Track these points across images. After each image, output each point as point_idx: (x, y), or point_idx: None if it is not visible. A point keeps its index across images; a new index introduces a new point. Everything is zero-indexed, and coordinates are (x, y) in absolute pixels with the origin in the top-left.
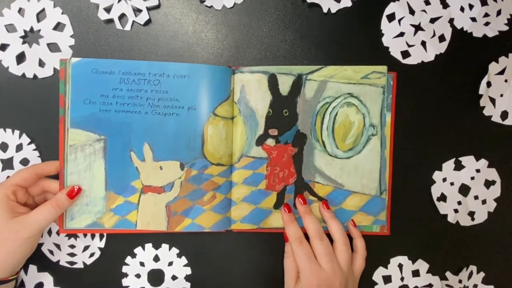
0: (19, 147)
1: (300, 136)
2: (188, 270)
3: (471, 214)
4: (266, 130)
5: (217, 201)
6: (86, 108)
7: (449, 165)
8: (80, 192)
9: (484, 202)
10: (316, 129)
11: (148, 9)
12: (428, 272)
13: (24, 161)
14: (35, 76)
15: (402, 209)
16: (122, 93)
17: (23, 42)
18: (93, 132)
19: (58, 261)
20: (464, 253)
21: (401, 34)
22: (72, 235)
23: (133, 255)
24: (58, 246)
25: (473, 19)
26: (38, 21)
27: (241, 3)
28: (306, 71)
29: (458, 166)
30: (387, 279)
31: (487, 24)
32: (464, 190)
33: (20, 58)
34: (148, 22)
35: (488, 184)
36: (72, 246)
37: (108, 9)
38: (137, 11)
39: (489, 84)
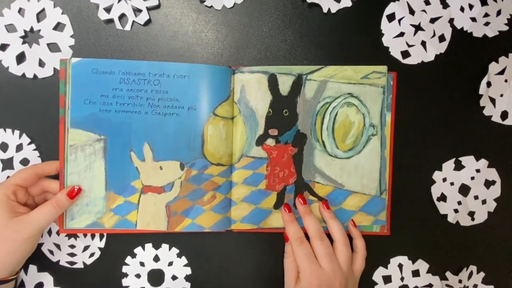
0: (19, 147)
1: (300, 136)
2: (188, 270)
3: (471, 214)
4: (266, 130)
5: (217, 201)
6: (86, 108)
7: (449, 165)
8: (80, 192)
9: (484, 202)
10: (316, 129)
11: (148, 9)
12: (428, 272)
13: (24, 161)
14: (35, 76)
15: (402, 209)
16: (122, 93)
17: (23, 42)
18: (93, 132)
19: (58, 261)
20: (464, 253)
21: (401, 34)
22: (72, 235)
23: (133, 255)
24: (58, 246)
25: (473, 19)
26: (38, 21)
27: (241, 3)
28: (306, 71)
29: (458, 166)
30: (387, 279)
31: (487, 24)
32: (464, 190)
33: (20, 58)
34: (148, 22)
35: (488, 184)
36: (72, 246)
37: (108, 9)
38: (137, 11)
39: (489, 84)
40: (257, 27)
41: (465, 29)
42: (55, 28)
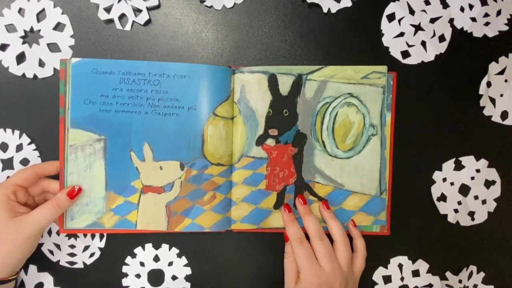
0: (19, 147)
1: (300, 136)
2: (188, 270)
3: (471, 214)
4: (266, 130)
5: (217, 201)
6: (86, 108)
7: (449, 165)
8: (81, 192)
9: (484, 202)
10: (316, 129)
11: (148, 9)
12: (428, 272)
13: (24, 161)
14: (35, 76)
15: (402, 209)
16: (122, 93)
17: (23, 42)
18: (93, 132)
19: (58, 261)
20: (464, 253)
21: (401, 34)
22: (72, 235)
23: (133, 255)
24: (58, 246)
25: (473, 19)
26: (38, 21)
27: (241, 3)
28: (306, 71)
29: (458, 166)
30: (387, 279)
31: (487, 24)
32: (464, 190)
33: (20, 58)
34: (148, 22)
35: (488, 184)
36: (72, 246)
37: (108, 9)
38: (137, 11)
39: (489, 84)
40: (257, 27)
41: (465, 29)
42: (55, 28)
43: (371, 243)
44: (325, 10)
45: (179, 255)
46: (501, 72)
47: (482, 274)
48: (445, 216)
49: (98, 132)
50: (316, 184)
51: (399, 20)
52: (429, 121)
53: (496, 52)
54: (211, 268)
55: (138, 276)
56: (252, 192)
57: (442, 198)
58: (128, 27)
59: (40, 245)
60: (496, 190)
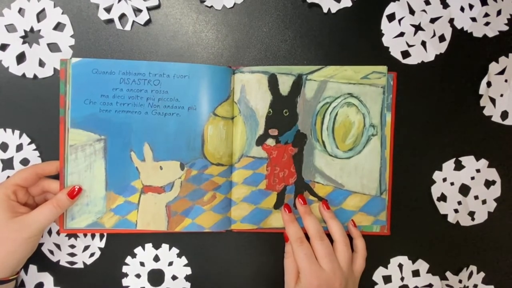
0: (19, 147)
1: (300, 136)
2: (188, 270)
3: (471, 214)
4: (266, 130)
5: (217, 201)
6: (86, 108)
7: (449, 165)
8: (81, 192)
9: (484, 202)
10: (316, 129)
11: (148, 9)
12: (428, 272)
13: (24, 161)
14: (35, 76)
15: (402, 209)
16: (122, 93)
17: (23, 42)
18: (94, 132)
19: (58, 261)
20: (464, 253)
21: (401, 34)
22: (72, 235)
23: (133, 255)
24: (58, 246)
25: (473, 19)
26: (38, 21)
27: (241, 3)
28: (306, 71)
29: (458, 166)
30: (387, 279)
31: (487, 24)
32: (464, 190)
33: (20, 58)
34: (148, 22)
35: (488, 184)
36: (72, 246)
37: (108, 9)
38: (137, 11)
39: (489, 84)
40: (257, 27)
41: (465, 29)
42: (55, 28)
43: (371, 243)
44: (325, 10)
45: (179, 255)
46: (501, 72)
47: (482, 274)
48: (445, 216)
49: (98, 132)
50: (316, 184)
51: (399, 20)
52: (429, 121)
53: (496, 52)
54: (211, 268)
55: (138, 276)
56: (252, 192)
57: (442, 198)
58: (128, 27)
59: (40, 245)
60: (496, 190)
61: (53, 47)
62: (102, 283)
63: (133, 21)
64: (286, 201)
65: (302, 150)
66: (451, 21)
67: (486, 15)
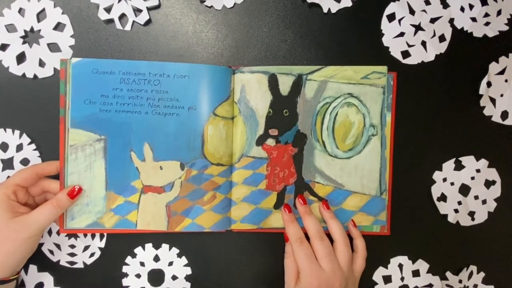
0: (19, 147)
1: (300, 136)
2: (188, 270)
3: (471, 214)
4: (266, 130)
5: (217, 201)
6: (86, 108)
7: (449, 165)
8: (81, 192)
9: (484, 202)
10: (316, 129)
11: (148, 9)
12: (428, 272)
13: (25, 161)
14: (35, 76)
15: (402, 209)
16: (122, 93)
17: (23, 42)
18: (94, 132)
19: (58, 261)
20: (464, 253)
21: (401, 34)
22: (72, 235)
23: (133, 255)
24: (58, 246)
25: (473, 19)
26: (38, 21)
27: (241, 3)
28: (306, 71)
29: (458, 166)
30: (387, 279)
31: (487, 24)
32: (464, 190)
33: (20, 58)
34: (148, 22)
35: (488, 184)
36: (72, 246)
37: (108, 9)
38: (137, 11)
39: (489, 84)
40: (257, 27)
41: (465, 29)
42: (55, 28)
43: (371, 243)
44: (325, 10)
45: (179, 255)
46: (501, 72)
47: (482, 274)
48: (445, 216)
49: (98, 132)
50: (316, 184)
51: (399, 20)
52: (429, 121)
53: (496, 52)
54: (211, 268)
55: (138, 276)
56: (252, 192)
57: (442, 198)
58: (128, 27)
59: (40, 245)
60: (496, 190)
61: (53, 47)
62: (102, 283)
63: (133, 21)
64: (286, 201)
65: (302, 150)
66: (451, 21)
67: (486, 15)
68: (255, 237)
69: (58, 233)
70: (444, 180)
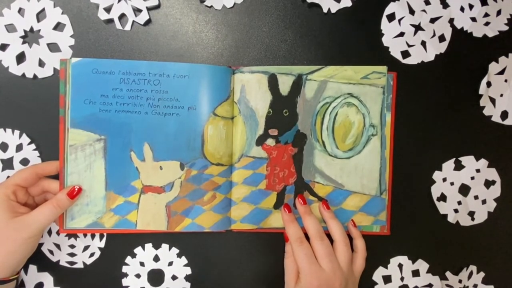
0: (19, 147)
1: (300, 136)
2: (188, 270)
3: (471, 214)
4: (266, 130)
5: (217, 201)
6: (86, 108)
7: (449, 165)
8: (81, 192)
9: (484, 202)
10: (316, 129)
11: (148, 9)
12: (428, 272)
13: (24, 161)
14: (35, 76)
15: (402, 209)
16: (122, 93)
17: (23, 42)
18: (93, 132)
19: (58, 261)
20: (464, 253)
21: (401, 34)
22: (72, 235)
23: (133, 255)
24: (58, 246)
25: (473, 19)
26: (38, 21)
27: (241, 3)
28: (306, 71)
29: (458, 166)
30: (387, 279)
31: (487, 24)
32: (464, 190)
33: (20, 58)
34: (148, 22)
35: (488, 184)
36: (72, 246)
37: (108, 9)
38: (137, 11)
39: (489, 84)
40: (257, 27)
41: (465, 29)
42: (55, 28)
43: (371, 243)
44: (325, 10)
45: (179, 255)
46: (501, 72)
47: (482, 274)
48: (445, 216)
49: (98, 132)
50: (316, 184)
51: (399, 20)
52: (429, 121)
53: (496, 52)
54: (211, 268)
55: (138, 276)
56: (252, 192)
57: (442, 198)
58: (128, 27)
59: (40, 245)
60: (496, 190)
61: (53, 47)
62: (102, 283)
63: (133, 21)
64: (286, 201)
65: (302, 150)
66: (451, 21)
67: (486, 15)
68: (255, 237)
69: (58, 233)
70: (444, 180)
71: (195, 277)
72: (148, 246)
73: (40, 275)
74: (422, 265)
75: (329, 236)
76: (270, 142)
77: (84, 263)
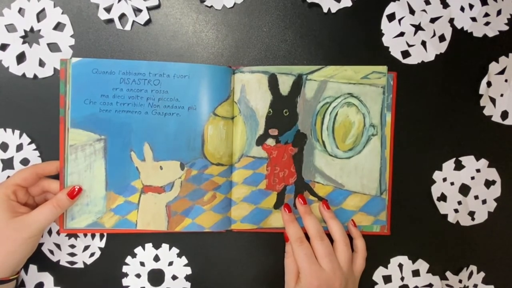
0: (19, 147)
1: (300, 136)
2: (188, 270)
3: (471, 214)
4: (266, 130)
5: (217, 201)
6: (86, 108)
7: (449, 165)
8: (81, 192)
9: (484, 202)
10: (316, 129)
11: (148, 9)
12: (428, 272)
13: (25, 161)
14: (35, 76)
15: (402, 209)
16: (122, 93)
17: (23, 42)
18: (94, 132)
19: (58, 261)
20: (464, 253)
21: (401, 34)
22: (72, 235)
23: (133, 255)
24: (58, 246)
25: (473, 19)
26: (38, 21)
27: (241, 3)
28: (306, 71)
29: (458, 166)
30: (387, 279)
31: (487, 24)
32: (464, 190)
33: (20, 58)
34: (148, 22)
35: (488, 184)
36: (72, 246)
37: (108, 9)
38: (137, 11)
39: (489, 84)
40: (257, 27)
41: (465, 29)
42: (55, 28)
43: (371, 243)
44: (325, 10)
45: (179, 255)
46: (501, 72)
47: (482, 274)
48: (445, 216)
49: (98, 132)
50: (316, 184)
51: (399, 20)
52: (429, 121)
53: (496, 52)
54: (211, 268)
55: (138, 276)
56: (252, 192)
57: (442, 198)
58: (128, 27)
59: (40, 245)
60: (496, 190)
61: (53, 47)
62: (102, 283)
63: (133, 21)
64: (286, 201)
65: (302, 150)
66: (451, 21)
67: (486, 15)
68: (255, 237)
69: (58, 233)
70: (444, 180)
71: (195, 277)
72: (148, 246)
73: (40, 275)
74: (422, 265)
75: (329, 236)
76: (270, 142)
77: (84, 263)
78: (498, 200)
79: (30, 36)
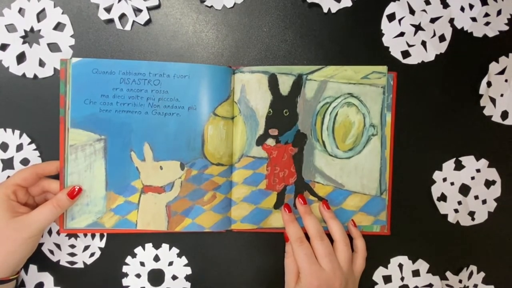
0: (19, 147)
1: (300, 136)
2: (188, 270)
3: (471, 214)
4: (266, 130)
5: (217, 201)
6: (86, 108)
7: (449, 165)
8: (81, 192)
9: (484, 202)
10: (316, 129)
11: (148, 9)
12: (428, 272)
13: (25, 161)
14: (35, 76)
15: (402, 209)
16: (123, 93)
17: (24, 42)
18: (94, 132)
19: (58, 261)
20: (464, 253)
21: (401, 34)
22: (72, 235)
23: (133, 255)
24: (58, 246)
25: (474, 19)
26: (38, 21)
27: (241, 3)
28: (306, 71)
29: (458, 166)
30: (387, 279)
31: (487, 24)
32: (464, 190)
33: (21, 58)
34: (148, 22)
35: (488, 184)
36: (73, 246)
37: (108, 9)
38: (137, 11)
39: (489, 84)
40: (257, 27)
41: (465, 29)
42: (55, 28)
43: (371, 243)
44: (325, 10)
45: (179, 255)
46: (501, 72)
47: (482, 274)
48: (445, 216)
49: (98, 132)
50: (316, 184)
51: (399, 20)
52: (429, 121)
53: (496, 52)
54: (211, 268)
55: (138, 276)
56: (252, 192)
57: (442, 198)
58: (128, 27)
59: (40, 245)
60: (496, 190)
61: (53, 47)
62: (102, 283)
63: (133, 21)
64: (286, 201)
65: (302, 150)
66: (451, 21)
67: (486, 15)
68: (255, 237)
69: (58, 233)
70: (444, 180)
71: (195, 277)
72: (148, 246)
73: (40, 275)
74: (422, 265)
75: (329, 236)
76: (270, 142)
77: (84, 263)
78: (498, 200)
79: (30, 36)
